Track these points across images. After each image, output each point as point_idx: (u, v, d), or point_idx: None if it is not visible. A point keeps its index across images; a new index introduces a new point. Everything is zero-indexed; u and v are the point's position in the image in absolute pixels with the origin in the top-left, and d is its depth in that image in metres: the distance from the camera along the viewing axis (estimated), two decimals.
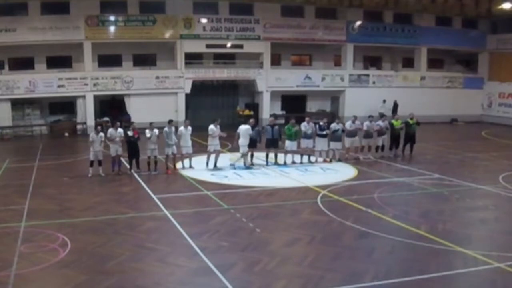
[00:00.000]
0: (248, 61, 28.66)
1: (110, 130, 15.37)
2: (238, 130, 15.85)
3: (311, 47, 30.23)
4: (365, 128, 17.64)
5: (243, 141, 15.77)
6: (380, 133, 17.95)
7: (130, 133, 15.34)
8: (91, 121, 25.94)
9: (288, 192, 13.20)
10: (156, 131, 15.36)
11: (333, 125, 17.06)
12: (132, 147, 15.27)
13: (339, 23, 29.52)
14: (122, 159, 15.61)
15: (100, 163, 15.07)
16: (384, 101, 29.01)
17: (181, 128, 15.84)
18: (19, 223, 10.18)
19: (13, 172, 15.89)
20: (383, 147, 18.15)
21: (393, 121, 18.50)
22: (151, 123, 15.76)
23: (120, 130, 15.33)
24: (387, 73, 31.38)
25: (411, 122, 18.30)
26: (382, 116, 20.43)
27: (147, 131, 15.33)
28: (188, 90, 27.23)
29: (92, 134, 15.21)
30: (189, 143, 15.87)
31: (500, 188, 13.59)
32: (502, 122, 30.65)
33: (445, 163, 17.61)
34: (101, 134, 15.12)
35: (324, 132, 16.77)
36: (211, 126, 15.78)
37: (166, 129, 15.59)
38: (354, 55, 30.23)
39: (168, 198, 12.37)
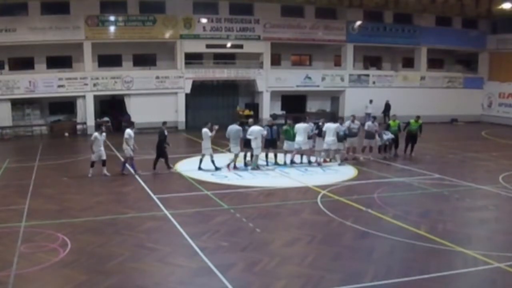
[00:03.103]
0: (248, 61, 28.67)
1: (129, 131, 15.17)
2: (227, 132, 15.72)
3: (311, 47, 30.25)
4: (366, 128, 17.62)
5: (205, 144, 15.56)
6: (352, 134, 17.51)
7: (166, 132, 15.38)
8: (91, 121, 25.97)
9: (288, 192, 13.21)
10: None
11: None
12: (163, 147, 15.29)
13: (339, 23, 29.54)
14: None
15: (104, 162, 15.04)
16: (371, 101, 29.00)
17: (255, 127, 15.80)
18: (19, 223, 10.18)
19: (13, 172, 15.89)
20: (385, 147, 18.08)
21: (390, 122, 18.49)
22: (207, 123, 15.94)
23: (129, 131, 15.17)
24: (387, 73, 31.40)
25: (413, 124, 18.20)
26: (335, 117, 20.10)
27: (206, 130, 15.43)
28: (188, 90, 27.24)
29: (96, 134, 15.09)
30: (259, 143, 15.70)
31: (500, 188, 13.59)
32: (502, 122, 30.66)
33: (445, 163, 17.61)
34: (104, 134, 15.10)
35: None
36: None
37: (237, 127, 15.69)
38: (354, 55, 30.25)
39: (168, 198, 12.37)
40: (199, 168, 15.60)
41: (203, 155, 15.73)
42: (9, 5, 24.24)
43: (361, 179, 14.74)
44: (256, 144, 15.58)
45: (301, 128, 16.26)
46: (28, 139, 24.62)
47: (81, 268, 7.87)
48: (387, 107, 28.94)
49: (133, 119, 26.50)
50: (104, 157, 15.04)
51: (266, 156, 16.52)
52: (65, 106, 26.35)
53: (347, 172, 15.70)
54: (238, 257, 8.40)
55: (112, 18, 25.89)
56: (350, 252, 8.75)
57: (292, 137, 16.36)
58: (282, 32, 28.43)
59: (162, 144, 15.38)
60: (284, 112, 29.43)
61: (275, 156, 16.70)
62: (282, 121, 24.98)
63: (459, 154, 19.41)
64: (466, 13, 29.89)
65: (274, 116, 26.07)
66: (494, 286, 7.47)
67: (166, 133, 15.50)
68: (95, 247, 8.85)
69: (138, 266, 8.03)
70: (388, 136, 17.80)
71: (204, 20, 27.15)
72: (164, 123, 15.89)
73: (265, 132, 15.79)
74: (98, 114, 26.63)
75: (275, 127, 16.47)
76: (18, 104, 25.23)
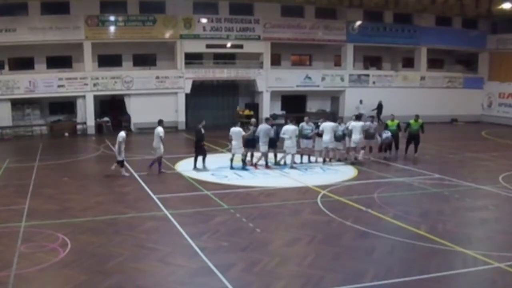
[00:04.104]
0: (248, 61, 28.68)
1: (162, 129, 15.22)
2: (231, 133, 15.78)
3: (311, 47, 30.25)
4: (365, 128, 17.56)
5: (237, 143, 15.70)
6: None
7: (203, 131, 15.71)
8: (91, 121, 25.98)
9: (288, 192, 13.20)
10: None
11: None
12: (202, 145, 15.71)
13: (339, 23, 29.55)
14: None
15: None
16: (361, 101, 29.00)
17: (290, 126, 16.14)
18: (19, 223, 10.18)
19: (13, 172, 15.88)
20: (385, 147, 18.02)
21: (388, 122, 18.40)
22: (237, 122, 16.49)
23: (162, 129, 15.20)
24: (387, 73, 31.41)
25: (413, 124, 18.14)
26: (359, 116, 20.06)
27: (239, 129, 15.71)
28: (188, 90, 27.24)
29: (124, 134, 14.95)
30: (294, 142, 16.01)
31: (500, 188, 13.59)
32: (502, 122, 30.67)
33: (445, 163, 17.61)
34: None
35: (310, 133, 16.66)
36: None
37: (267, 126, 15.96)
38: (354, 55, 30.26)
39: (168, 198, 12.37)
40: (232, 168, 15.74)
41: (233, 155, 15.85)
42: (9, 5, 24.24)
43: (361, 179, 14.74)
44: (292, 143, 15.80)
45: (329, 127, 16.43)
46: (28, 139, 24.61)
47: (81, 268, 7.87)
48: (380, 107, 28.86)
49: (133, 119, 26.57)
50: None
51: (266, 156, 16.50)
52: (65, 106, 26.36)
53: (347, 172, 15.70)
54: (238, 257, 8.39)
55: (112, 18, 25.89)
56: (350, 252, 8.75)
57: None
58: (282, 32, 28.44)
59: (201, 142, 15.65)
60: (284, 112, 29.43)
61: (275, 156, 16.69)
62: (282, 121, 25.01)
63: (459, 154, 19.41)
64: (466, 13, 29.89)
65: (274, 116, 26.07)
66: (494, 286, 7.47)
67: (203, 131, 15.74)
68: (95, 247, 8.85)
69: (138, 266, 8.03)
70: (387, 134, 17.74)
71: (204, 20, 27.15)
72: (200, 121, 16.23)
73: (297, 132, 16.04)
74: (98, 114, 26.64)
75: (275, 127, 16.46)
76: (18, 104, 25.21)
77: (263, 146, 15.86)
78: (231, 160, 15.89)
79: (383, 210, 11.26)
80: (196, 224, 10.32)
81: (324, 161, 16.96)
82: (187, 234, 9.54)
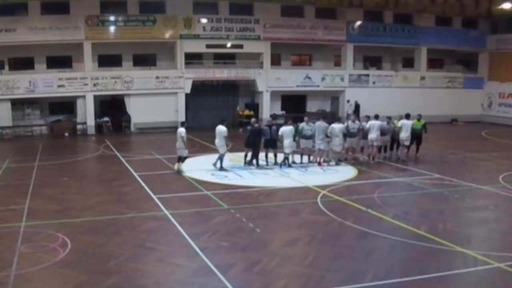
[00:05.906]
0: (248, 61, 28.67)
1: (224, 128, 15.49)
2: (280, 133, 16.03)
3: (311, 47, 30.23)
4: (365, 128, 17.52)
5: (289, 142, 16.06)
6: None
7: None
8: (91, 121, 25.98)
9: (288, 192, 13.21)
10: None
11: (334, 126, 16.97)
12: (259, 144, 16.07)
13: (339, 23, 29.53)
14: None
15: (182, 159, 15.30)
16: (348, 101, 29.11)
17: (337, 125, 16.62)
18: (19, 223, 10.18)
19: (13, 172, 15.88)
20: (385, 147, 17.99)
21: (394, 122, 18.30)
22: (287, 121, 16.73)
23: (224, 128, 15.45)
24: (387, 73, 31.37)
25: (416, 124, 18.04)
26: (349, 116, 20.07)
27: (291, 127, 16.11)
28: (188, 90, 27.23)
29: (184, 129, 15.19)
30: (341, 140, 16.54)
31: (500, 188, 13.58)
32: (502, 122, 30.65)
33: (445, 163, 17.61)
34: None
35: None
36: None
37: (325, 124, 16.47)
38: (354, 55, 30.23)
39: (168, 198, 12.36)
40: (289, 165, 16.20)
41: (288, 154, 16.17)
42: (9, 5, 24.21)
43: (361, 179, 14.74)
44: (339, 140, 16.39)
45: (376, 125, 17.04)
46: (28, 139, 24.59)
47: (81, 268, 7.87)
48: (357, 107, 28.78)
49: (133, 119, 26.57)
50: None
51: (266, 156, 16.49)
52: (65, 106, 26.33)
53: (347, 172, 15.70)
54: (238, 257, 8.39)
55: (112, 18, 25.86)
56: (350, 252, 8.75)
57: (294, 137, 16.36)
58: (282, 32, 28.42)
59: (259, 141, 15.99)
60: (284, 112, 29.41)
61: (275, 156, 16.68)
62: (282, 121, 24.94)
63: (459, 154, 19.41)
64: (466, 13, 29.90)
65: (274, 116, 26.05)
66: (494, 286, 7.46)
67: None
68: (95, 247, 8.85)
69: (138, 266, 8.03)
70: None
71: (204, 20, 27.14)
72: (256, 121, 16.71)
73: (344, 130, 16.61)
74: (98, 114, 26.63)
75: (274, 127, 16.45)
76: (18, 104, 25.20)
77: (320, 143, 16.31)
78: (287, 159, 16.23)
79: (383, 210, 11.25)
80: (196, 224, 10.32)
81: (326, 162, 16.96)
82: (187, 234, 9.53)
